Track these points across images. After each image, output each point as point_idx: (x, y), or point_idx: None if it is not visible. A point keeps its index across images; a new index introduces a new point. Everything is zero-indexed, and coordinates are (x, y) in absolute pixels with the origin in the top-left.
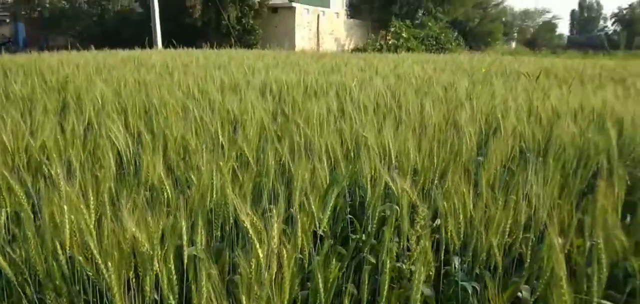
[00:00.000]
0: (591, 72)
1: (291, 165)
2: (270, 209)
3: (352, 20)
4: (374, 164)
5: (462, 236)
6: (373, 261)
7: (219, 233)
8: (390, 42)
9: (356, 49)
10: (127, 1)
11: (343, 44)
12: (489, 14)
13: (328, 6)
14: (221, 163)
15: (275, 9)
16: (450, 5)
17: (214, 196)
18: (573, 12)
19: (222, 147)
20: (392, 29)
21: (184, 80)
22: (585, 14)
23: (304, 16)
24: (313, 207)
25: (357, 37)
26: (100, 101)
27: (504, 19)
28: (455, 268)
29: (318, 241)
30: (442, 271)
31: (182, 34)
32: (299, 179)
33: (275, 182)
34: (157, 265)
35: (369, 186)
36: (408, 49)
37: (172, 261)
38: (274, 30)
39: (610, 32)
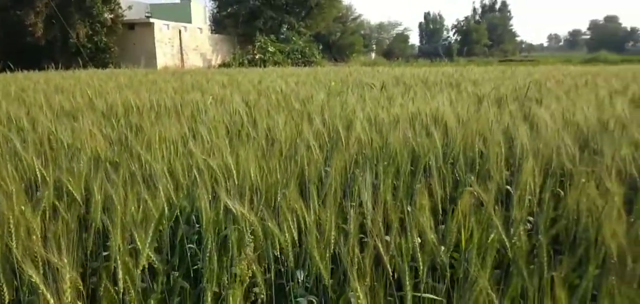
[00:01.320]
0: (434, 79)
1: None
2: (62, 257)
3: (217, 35)
4: (210, 187)
5: (290, 252)
6: (216, 289)
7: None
8: (257, 57)
9: (223, 65)
10: None
11: (209, 59)
12: (349, 28)
13: (190, 21)
14: (23, 206)
15: (131, 26)
16: (311, 20)
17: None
18: (421, 24)
19: (45, 182)
20: (258, 44)
21: (14, 109)
22: (431, 26)
23: (163, 32)
24: (138, 242)
25: (224, 52)
26: None
27: (362, 32)
28: (298, 283)
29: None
30: (287, 288)
31: (23, 54)
32: (120, 213)
33: (104, 217)
34: None
35: (204, 212)
36: (275, 63)
37: None
38: (133, 48)
39: (452, 42)
